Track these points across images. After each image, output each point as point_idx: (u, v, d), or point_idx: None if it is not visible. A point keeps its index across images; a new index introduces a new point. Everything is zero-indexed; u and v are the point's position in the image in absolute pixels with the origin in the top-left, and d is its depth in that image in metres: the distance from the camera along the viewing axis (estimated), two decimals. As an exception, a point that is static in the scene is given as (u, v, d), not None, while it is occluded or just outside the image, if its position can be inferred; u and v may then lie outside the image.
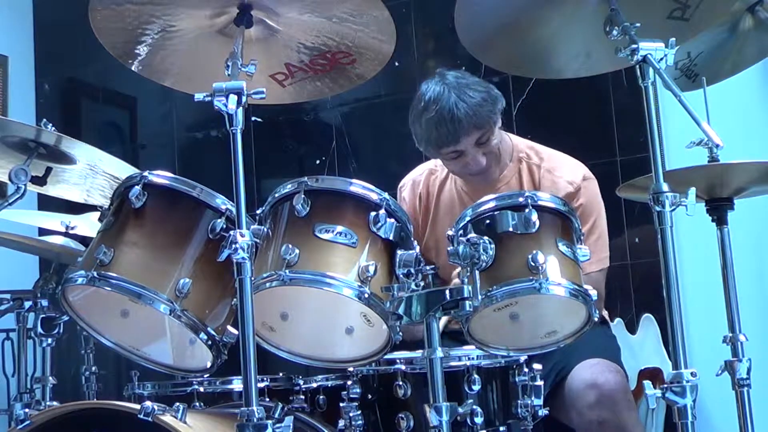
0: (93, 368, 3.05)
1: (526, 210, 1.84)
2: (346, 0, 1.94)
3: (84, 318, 1.99)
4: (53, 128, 2.06)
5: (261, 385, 2.09)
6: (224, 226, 1.88)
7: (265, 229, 1.86)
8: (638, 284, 3.31)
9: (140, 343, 2.00)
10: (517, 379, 1.97)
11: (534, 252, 1.79)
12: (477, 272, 1.77)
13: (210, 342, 1.88)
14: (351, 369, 1.97)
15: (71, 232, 2.86)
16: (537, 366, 1.98)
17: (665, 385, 1.68)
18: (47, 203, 3.12)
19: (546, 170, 2.53)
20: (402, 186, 2.73)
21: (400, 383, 1.90)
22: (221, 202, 1.92)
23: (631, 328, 3.36)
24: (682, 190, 1.74)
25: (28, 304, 2.60)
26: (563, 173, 2.52)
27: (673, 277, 1.71)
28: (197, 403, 2.10)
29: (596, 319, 1.86)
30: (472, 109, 2.36)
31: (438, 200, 2.64)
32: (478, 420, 1.84)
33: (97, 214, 2.03)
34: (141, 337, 2.00)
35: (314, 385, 2.15)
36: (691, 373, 1.67)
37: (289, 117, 4.12)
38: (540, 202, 1.86)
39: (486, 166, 2.46)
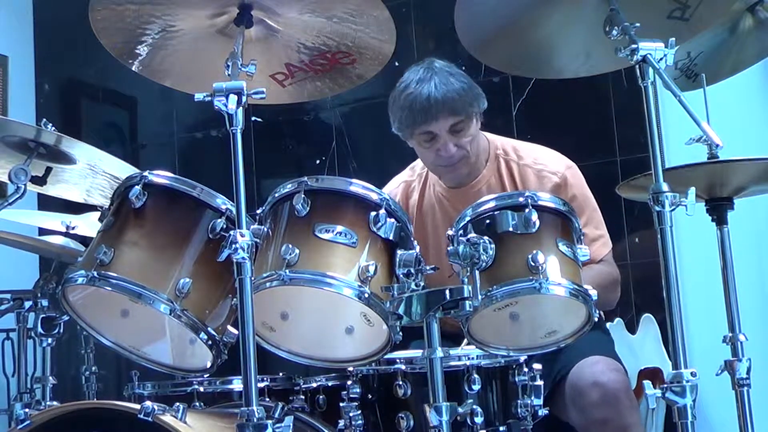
0: (93, 368, 3.05)
1: (526, 210, 1.84)
2: (346, 0, 1.94)
3: (84, 318, 1.99)
4: (53, 128, 2.06)
5: (261, 385, 2.09)
6: (224, 226, 1.88)
7: (265, 229, 1.86)
8: (638, 284, 3.31)
9: (140, 343, 1.99)
10: (517, 379, 1.97)
11: (534, 252, 1.79)
12: (477, 272, 1.77)
13: (210, 342, 1.88)
14: (351, 369, 1.97)
15: (71, 232, 2.86)
16: (537, 366, 1.98)
17: (665, 385, 1.68)
18: (47, 203, 3.12)
19: (526, 165, 2.53)
20: None
21: (400, 383, 1.90)
22: (221, 202, 1.91)
23: (631, 328, 3.36)
24: (682, 189, 1.74)
25: (28, 304, 2.60)
26: (545, 165, 2.52)
27: (673, 277, 1.71)
28: (197, 403, 2.10)
29: (596, 319, 1.86)
30: (450, 93, 2.39)
31: (419, 209, 2.62)
32: (478, 420, 1.83)
33: (97, 214, 2.03)
34: (141, 337, 1.99)
35: (314, 385, 2.15)
36: (691, 373, 1.67)
37: (289, 117, 4.13)
38: (540, 202, 1.86)
39: (456, 159, 2.46)
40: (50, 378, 2.49)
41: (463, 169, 2.51)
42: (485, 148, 2.57)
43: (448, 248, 1.80)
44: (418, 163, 2.68)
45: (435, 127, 2.41)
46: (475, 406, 1.83)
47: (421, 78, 2.42)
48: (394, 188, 2.69)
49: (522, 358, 1.97)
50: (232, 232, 1.65)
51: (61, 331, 2.43)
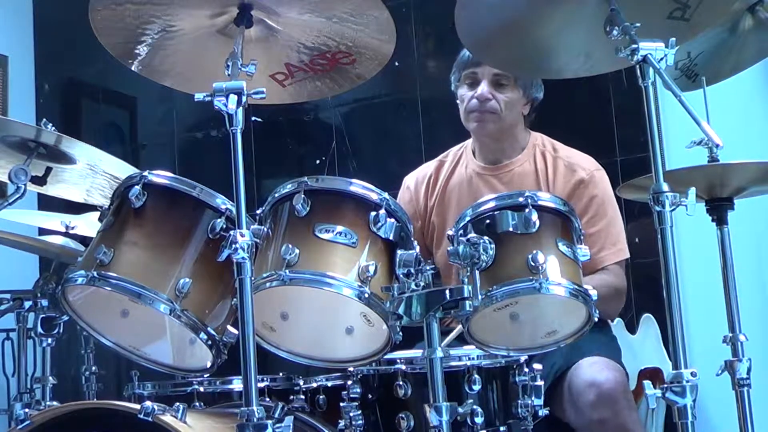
0: (93, 368, 3.05)
1: (526, 210, 1.84)
2: (346, 0, 1.94)
3: (84, 318, 1.98)
4: (53, 128, 2.06)
5: (261, 385, 2.08)
6: (224, 226, 1.88)
7: (265, 229, 1.86)
8: (638, 284, 3.31)
9: (140, 343, 1.99)
10: (517, 379, 1.97)
11: (534, 252, 1.79)
12: (477, 272, 1.77)
13: (210, 342, 1.88)
14: (351, 369, 1.97)
15: (71, 232, 2.86)
16: (537, 366, 1.98)
17: (665, 385, 1.68)
18: (47, 203, 3.12)
19: (558, 158, 2.61)
20: (408, 177, 2.81)
21: (401, 383, 1.90)
22: (221, 202, 1.91)
23: (631, 328, 3.36)
24: (682, 190, 1.74)
25: (28, 304, 2.59)
26: (578, 161, 2.60)
27: (673, 277, 1.70)
28: (197, 403, 2.10)
29: (596, 319, 1.86)
30: None
31: (445, 185, 2.69)
32: (479, 420, 1.84)
33: (97, 214, 2.03)
34: (141, 337, 1.99)
35: (314, 385, 2.15)
36: (691, 373, 1.67)
37: (289, 117, 4.12)
38: (540, 202, 1.87)
39: (487, 107, 2.55)
40: (50, 378, 2.49)
41: (490, 125, 2.59)
42: (525, 137, 2.67)
43: (449, 248, 1.81)
44: (454, 148, 2.78)
45: (480, 70, 2.55)
46: (475, 406, 1.84)
47: None
48: (426, 166, 2.79)
49: (522, 358, 1.97)
50: (232, 232, 1.65)
51: (61, 331, 2.43)
